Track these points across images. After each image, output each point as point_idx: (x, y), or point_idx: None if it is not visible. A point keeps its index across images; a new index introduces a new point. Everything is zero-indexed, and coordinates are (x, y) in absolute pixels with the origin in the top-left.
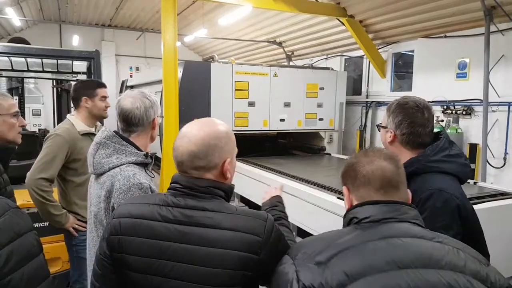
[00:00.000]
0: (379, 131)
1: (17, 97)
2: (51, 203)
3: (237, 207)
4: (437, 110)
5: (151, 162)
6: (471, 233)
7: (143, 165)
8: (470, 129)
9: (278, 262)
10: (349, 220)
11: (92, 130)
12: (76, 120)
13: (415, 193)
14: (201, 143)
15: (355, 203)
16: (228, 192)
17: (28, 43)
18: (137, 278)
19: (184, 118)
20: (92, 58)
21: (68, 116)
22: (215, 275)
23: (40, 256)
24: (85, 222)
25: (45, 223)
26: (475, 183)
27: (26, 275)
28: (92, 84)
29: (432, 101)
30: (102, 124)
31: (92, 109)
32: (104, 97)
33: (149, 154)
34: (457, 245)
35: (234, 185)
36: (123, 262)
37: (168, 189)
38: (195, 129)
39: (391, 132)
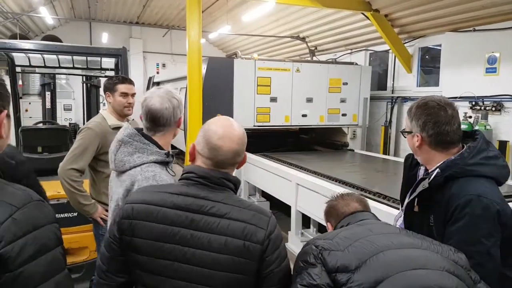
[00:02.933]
0: (405, 137)
1: (49, 92)
2: (81, 193)
3: (244, 200)
4: (465, 106)
5: (172, 160)
6: (508, 239)
7: (165, 163)
8: (500, 126)
9: (279, 260)
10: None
11: (122, 124)
12: (107, 114)
13: (451, 199)
14: (240, 142)
15: None
16: (236, 185)
17: (60, 41)
18: (143, 261)
19: (208, 113)
20: (120, 55)
21: (101, 110)
22: (219, 261)
23: (57, 249)
24: None
25: (74, 213)
26: None
27: (39, 268)
28: (115, 79)
29: (460, 97)
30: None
31: (113, 104)
32: (125, 94)
33: (170, 153)
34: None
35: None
36: (131, 245)
37: (180, 179)
38: (232, 129)
39: (417, 136)
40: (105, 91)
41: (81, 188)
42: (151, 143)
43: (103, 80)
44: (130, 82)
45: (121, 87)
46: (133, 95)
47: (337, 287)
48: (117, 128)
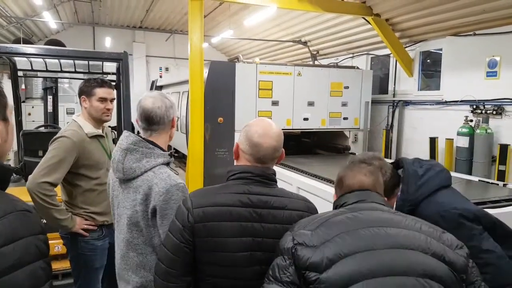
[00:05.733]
0: None
1: (51, 96)
2: (55, 207)
3: (289, 191)
4: (466, 110)
5: (172, 160)
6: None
7: (167, 163)
8: (501, 129)
9: None
10: (335, 207)
11: (100, 132)
12: (83, 121)
13: (429, 218)
14: (279, 139)
15: None
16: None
17: (64, 45)
18: (222, 257)
19: (210, 117)
20: (121, 59)
21: (74, 117)
22: None
23: (36, 263)
24: (96, 226)
25: None
26: (504, 185)
27: (13, 283)
28: (93, 82)
29: (461, 101)
30: (110, 126)
31: (89, 110)
32: (103, 99)
33: (170, 153)
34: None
35: None
36: (208, 246)
37: (233, 178)
38: (271, 128)
39: None
40: (80, 95)
41: (56, 202)
42: (156, 147)
43: None
44: (110, 86)
45: (100, 92)
46: (112, 100)
47: (306, 284)
48: (95, 136)
